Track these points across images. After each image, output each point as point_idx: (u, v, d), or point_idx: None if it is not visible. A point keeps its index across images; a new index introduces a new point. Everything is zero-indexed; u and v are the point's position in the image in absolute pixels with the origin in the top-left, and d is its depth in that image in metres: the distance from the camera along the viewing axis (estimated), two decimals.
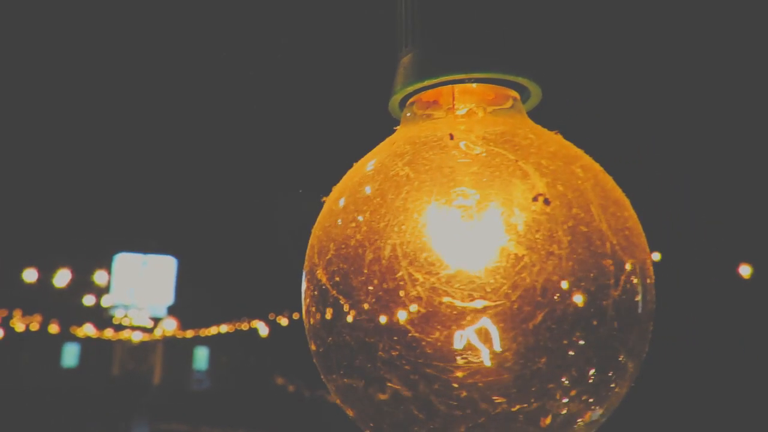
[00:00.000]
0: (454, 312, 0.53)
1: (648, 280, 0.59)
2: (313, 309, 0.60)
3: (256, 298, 13.93)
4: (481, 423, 0.55)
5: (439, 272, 0.53)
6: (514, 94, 0.68)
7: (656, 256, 8.29)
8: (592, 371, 0.55)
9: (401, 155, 0.60)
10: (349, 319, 0.56)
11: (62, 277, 10.32)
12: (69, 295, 11.60)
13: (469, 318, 0.53)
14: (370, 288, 0.55)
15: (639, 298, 0.57)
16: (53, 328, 14.05)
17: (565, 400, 0.55)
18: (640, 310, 0.57)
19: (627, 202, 0.62)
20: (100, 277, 11.69)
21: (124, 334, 15.94)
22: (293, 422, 12.89)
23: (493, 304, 0.52)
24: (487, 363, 0.54)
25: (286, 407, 13.56)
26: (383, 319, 0.55)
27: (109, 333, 15.72)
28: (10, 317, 12.87)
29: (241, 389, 15.74)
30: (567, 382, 0.54)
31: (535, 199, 0.54)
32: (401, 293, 0.54)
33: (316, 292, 0.60)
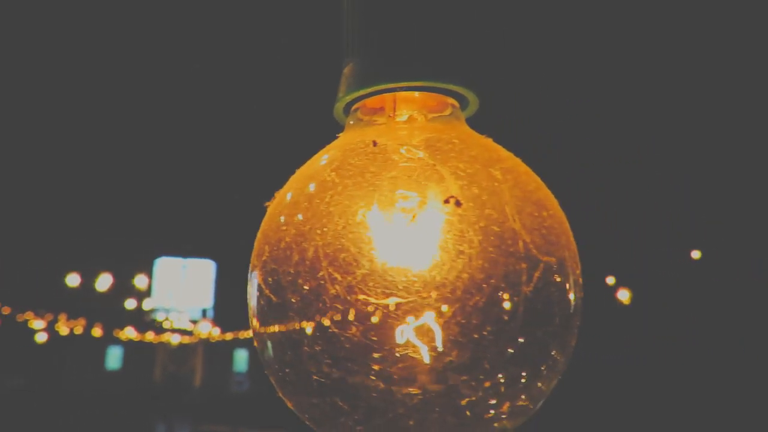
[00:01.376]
0: (369, 309, 0.56)
1: (569, 278, 0.62)
2: (252, 308, 0.64)
3: None
4: (401, 413, 0.58)
5: (355, 272, 0.56)
6: (453, 101, 0.71)
7: (696, 254, 8.17)
8: (505, 365, 0.58)
9: (331, 161, 0.64)
10: (274, 313, 0.60)
11: (104, 282, 10.56)
12: (112, 299, 11.86)
13: (411, 315, 0.56)
14: (296, 287, 0.59)
15: (554, 294, 0.60)
16: (96, 332, 14.39)
17: (479, 393, 0.58)
18: (556, 307, 0.60)
19: (551, 202, 0.64)
20: (141, 281, 11.93)
21: (165, 337, 16.26)
22: None
23: (404, 300, 0.56)
24: (426, 360, 0.57)
25: None
26: (307, 317, 0.58)
27: (150, 336, 16.06)
28: (55, 321, 13.22)
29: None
30: (480, 375, 0.57)
31: (446, 201, 0.57)
32: (322, 292, 0.57)
33: (255, 292, 0.64)
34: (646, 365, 8.09)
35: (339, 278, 0.57)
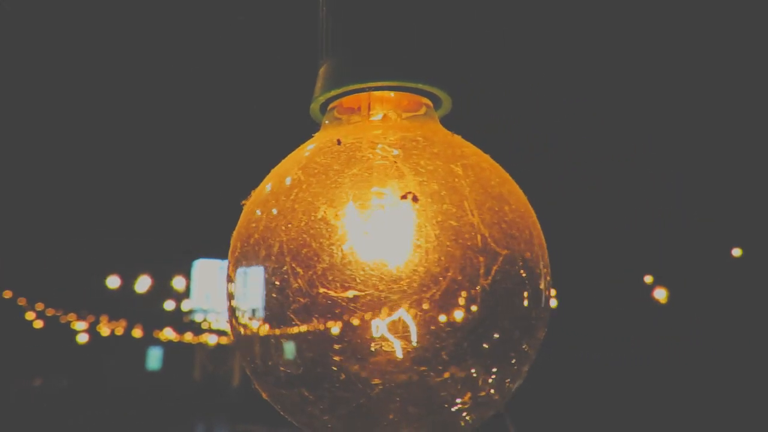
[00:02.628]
0: (329, 302, 0.58)
1: (533, 271, 0.63)
2: (227, 303, 0.67)
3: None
4: (363, 403, 0.60)
5: (316, 266, 0.59)
6: (427, 101, 0.73)
7: (737, 252, 7.99)
8: (464, 356, 0.59)
9: (299, 160, 0.66)
10: (239, 303, 0.63)
11: (143, 284, 10.76)
12: (151, 300, 12.07)
13: (369, 307, 0.58)
14: (264, 280, 0.61)
15: (515, 287, 0.61)
16: (137, 333, 14.66)
17: (439, 383, 0.59)
18: (516, 298, 0.61)
19: (515, 197, 0.65)
20: (179, 282, 12.11)
21: (203, 338, 16.49)
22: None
23: (362, 294, 0.57)
24: (399, 355, 0.59)
25: None
26: (273, 310, 0.60)
27: (189, 337, 16.30)
28: (96, 323, 13.51)
29: None
30: (439, 366, 0.59)
31: (404, 197, 0.59)
32: (286, 286, 0.59)
33: (228, 286, 0.66)
34: (683, 366, 7.96)
35: (301, 272, 0.59)
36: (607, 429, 7.87)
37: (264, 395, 0.67)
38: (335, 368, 0.59)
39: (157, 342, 16.74)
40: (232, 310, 0.65)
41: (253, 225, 0.64)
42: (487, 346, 0.60)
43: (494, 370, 0.61)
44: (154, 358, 17.91)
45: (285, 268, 0.60)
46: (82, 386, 14.03)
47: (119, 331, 14.58)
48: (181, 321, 15.68)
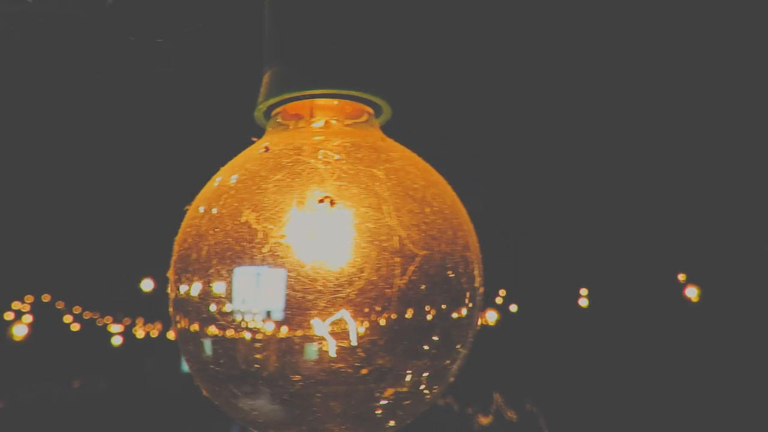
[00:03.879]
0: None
1: (456, 270, 0.65)
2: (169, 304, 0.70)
3: None
4: (286, 399, 0.62)
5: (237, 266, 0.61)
6: (369, 109, 0.75)
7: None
8: (380, 353, 0.61)
9: (233, 166, 0.69)
10: (180, 307, 0.66)
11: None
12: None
13: (289, 306, 0.61)
14: (192, 284, 0.64)
15: (435, 286, 0.63)
16: (171, 335, 14.89)
17: (357, 376, 0.62)
18: (436, 297, 0.63)
19: (440, 200, 0.67)
20: (218, 287, 12.25)
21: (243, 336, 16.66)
22: (405, 425, 13.02)
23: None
24: (333, 354, 0.61)
25: None
26: (200, 311, 0.63)
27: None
28: (133, 325, 13.74)
29: None
30: (356, 363, 0.61)
31: (321, 200, 0.61)
32: (210, 286, 0.62)
33: (169, 289, 0.69)
34: (715, 365, 7.83)
35: (225, 275, 0.62)
36: (639, 429, 7.78)
37: (204, 392, 0.69)
38: (258, 366, 0.61)
39: None
40: (172, 311, 0.68)
41: (188, 230, 0.67)
42: (406, 343, 0.62)
43: (416, 366, 0.63)
44: None
45: (211, 270, 0.62)
46: (119, 388, 14.29)
47: (154, 334, 14.82)
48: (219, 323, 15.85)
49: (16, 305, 9.29)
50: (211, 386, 0.66)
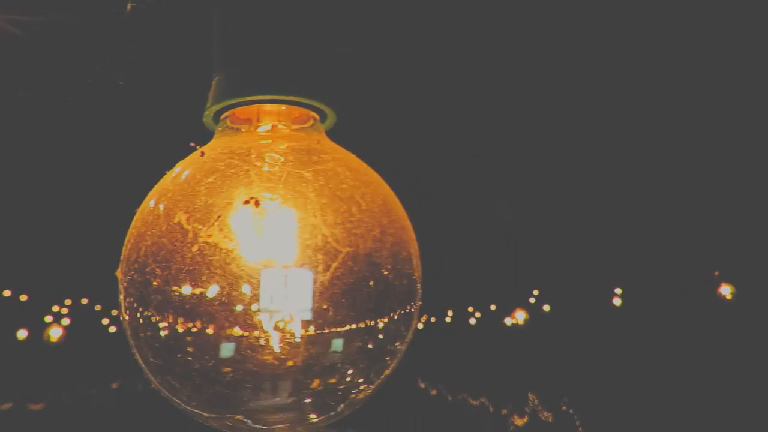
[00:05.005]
0: (180, 299, 0.64)
1: (382, 267, 0.68)
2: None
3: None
4: (218, 390, 0.66)
5: (170, 267, 0.65)
6: (315, 114, 0.78)
7: None
8: (306, 345, 0.64)
9: (173, 172, 0.73)
10: (124, 304, 0.70)
11: (213, 290, 11.09)
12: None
13: (217, 303, 0.64)
14: (133, 281, 0.68)
15: (359, 282, 0.66)
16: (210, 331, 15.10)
17: (285, 370, 0.65)
18: (360, 292, 0.66)
19: (369, 199, 0.70)
20: (246, 288, 12.42)
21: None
22: (435, 425, 13.03)
23: (206, 290, 0.63)
24: (277, 349, 0.65)
25: (428, 410, 13.72)
26: (138, 308, 0.67)
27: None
28: (175, 323, 13.98)
29: (384, 393, 16.14)
30: (282, 355, 0.64)
31: (247, 201, 0.65)
32: (148, 285, 0.66)
33: (119, 285, 0.73)
34: (750, 366, 7.69)
35: (159, 273, 0.65)
36: (672, 428, 7.67)
37: (153, 384, 0.73)
38: (190, 359, 0.65)
39: None
40: (123, 308, 0.72)
41: (132, 231, 0.71)
42: (330, 337, 0.65)
43: (345, 359, 0.66)
44: None
45: (148, 269, 0.66)
46: (157, 389, 14.52)
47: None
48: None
49: (55, 308, 9.52)
50: (154, 377, 0.69)
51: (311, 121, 0.78)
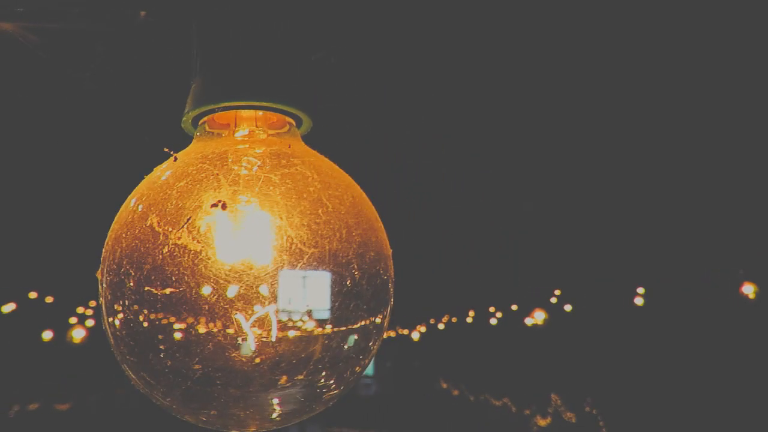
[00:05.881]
0: (152, 299, 0.67)
1: (348, 266, 0.70)
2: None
3: (414, 303, 14.29)
4: (190, 386, 0.68)
5: (144, 268, 0.68)
6: (291, 120, 0.81)
7: None
8: (272, 343, 0.67)
9: (150, 176, 0.75)
10: (103, 304, 0.73)
11: (233, 291, 11.19)
12: (242, 304, 12.50)
13: (185, 302, 0.67)
14: (109, 282, 0.71)
15: (323, 281, 0.68)
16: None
17: (251, 365, 0.67)
18: (325, 292, 0.68)
19: (335, 201, 0.72)
20: (264, 289, 12.50)
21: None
22: (458, 426, 13.02)
23: (177, 290, 0.66)
24: (252, 348, 0.68)
25: (450, 411, 13.72)
26: (114, 307, 0.70)
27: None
28: (196, 323, 14.15)
29: (407, 393, 16.21)
30: (234, 354, 0.67)
31: (214, 205, 0.67)
32: (123, 285, 0.69)
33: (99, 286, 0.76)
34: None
35: (133, 273, 0.68)
36: (695, 428, 7.60)
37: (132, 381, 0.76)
38: (162, 356, 0.67)
39: None
40: (99, 306, 0.75)
41: (110, 234, 0.74)
42: (298, 334, 0.67)
43: (317, 358, 0.68)
44: None
45: (123, 270, 0.69)
46: None
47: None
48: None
49: (79, 310, 9.68)
50: (131, 375, 0.72)
51: (287, 127, 0.81)
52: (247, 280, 0.66)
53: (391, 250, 0.81)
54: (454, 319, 14.04)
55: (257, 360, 0.67)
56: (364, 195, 0.78)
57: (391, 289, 0.78)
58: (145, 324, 0.67)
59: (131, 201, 0.73)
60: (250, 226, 0.67)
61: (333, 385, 0.72)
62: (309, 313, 0.67)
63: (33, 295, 8.01)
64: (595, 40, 1.91)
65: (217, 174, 0.70)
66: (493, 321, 11.68)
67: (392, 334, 17.24)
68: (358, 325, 0.71)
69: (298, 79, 0.80)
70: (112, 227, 0.74)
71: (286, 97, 0.77)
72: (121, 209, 0.75)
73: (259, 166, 0.71)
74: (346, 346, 0.71)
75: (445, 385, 15.25)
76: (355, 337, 0.72)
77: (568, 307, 10.03)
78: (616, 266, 8.21)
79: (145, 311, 0.67)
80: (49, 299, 8.45)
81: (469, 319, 12.85)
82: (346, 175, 0.79)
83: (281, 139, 0.79)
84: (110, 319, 0.71)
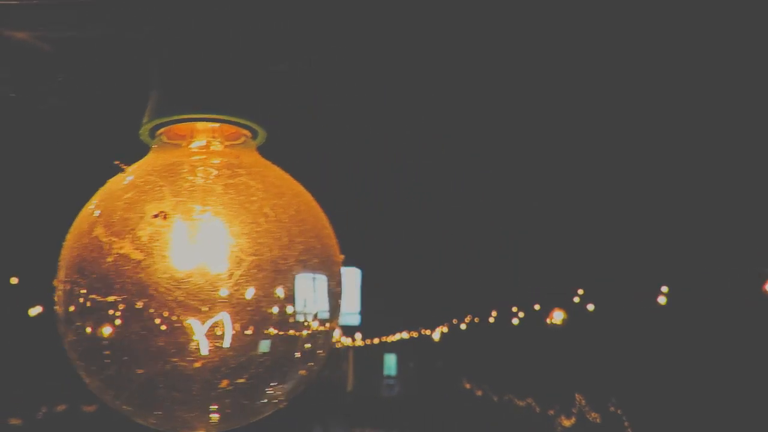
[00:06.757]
0: (94, 305, 0.70)
1: (289, 273, 0.72)
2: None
3: (437, 303, 14.27)
4: (136, 390, 0.71)
5: (88, 276, 0.71)
6: (246, 132, 0.83)
7: None
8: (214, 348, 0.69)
9: (104, 187, 0.78)
10: (58, 310, 0.76)
11: (250, 292, 11.28)
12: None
13: (125, 307, 0.70)
14: (63, 289, 0.74)
15: (262, 288, 0.71)
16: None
17: (193, 369, 0.70)
18: (266, 298, 0.71)
19: (278, 210, 0.75)
20: (280, 291, 12.56)
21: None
22: (482, 427, 12.99)
23: (120, 298, 0.69)
24: (205, 351, 0.70)
25: (474, 412, 13.69)
26: (67, 312, 0.73)
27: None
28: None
29: (430, 394, 16.19)
30: (188, 357, 0.69)
31: (156, 215, 0.70)
32: (70, 293, 0.72)
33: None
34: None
35: (81, 282, 0.71)
36: (720, 428, 7.51)
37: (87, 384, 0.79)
38: (108, 361, 0.70)
39: None
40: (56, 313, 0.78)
41: (65, 242, 0.77)
42: (237, 340, 0.70)
43: (259, 363, 0.71)
44: None
45: (73, 278, 0.72)
46: None
47: None
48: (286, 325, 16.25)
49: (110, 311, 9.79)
50: (84, 379, 0.75)
51: (242, 138, 0.83)
52: (187, 288, 0.68)
53: (342, 257, 0.83)
54: (476, 319, 14.00)
55: (197, 365, 0.69)
56: (313, 204, 0.80)
57: (339, 295, 0.80)
58: (89, 330, 0.70)
59: (85, 210, 0.76)
60: (191, 236, 0.69)
61: (279, 390, 0.74)
62: (249, 319, 0.70)
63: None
64: (601, 35, 1.91)
65: (162, 185, 0.72)
66: (515, 321, 11.64)
67: (414, 334, 17.21)
68: (301, 330, 0.74)
69: (252, 91, 0.82)
70: (67, 237, 0.77)
71: (238, 110, 0.80)
72: (75, 219, 0.78)
73: (204, 177, 0.74)
74: (289, 352, 0.73)
75: (468, 386, 15.20)
76: (298, 342, 0.74)
77: (590, 307, 9.97)
78: (639, 265, 8.15)
79: (93, 318, 0.70)
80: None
81: (491, 319, 12.81)
82: (297, 184, 0.81)
83: (234, 150, 0.81)
84: (61, 326, 0.74)
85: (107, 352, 0.70)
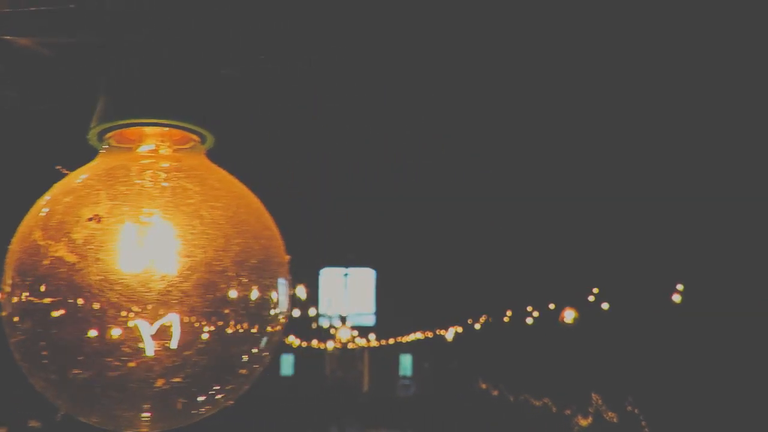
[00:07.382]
0: (32, 307, 0.71)
1: (223, 274, 0.73)
2: None
3: (452, 303, 14.25)
4: (74, 392, 0.73)
5: (27, 278, 0.72)
6: (195, 137, 0.84)
7: None
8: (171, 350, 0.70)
9: (49, 191, 0.80)
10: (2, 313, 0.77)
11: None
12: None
13: (59, 306, 0.71)
14: (5, 292, 0.75)
15: (200, 288, 0.72)
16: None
17: (126, 369, 0.71)
18: (205, 298, 0.72)
19: (219, 213, 0.76)
20: (305, 290, 12.60)
21: (332, 344, 17.04)
22: (498, 426, 12.95)
23: (57, 300, 0.70)
24: (150, 353, 0.72)
25: (490, 411, 13.64)
26: (10, 314, 0.74)
27: (318, 343, 16.95)
28: (33, 330, 14.36)
29: (446, 394, 16.16)
30: (123, 357, 0.71)
31: (90, 219, 0.71)
32: (14, 295, 0.73)
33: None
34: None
35: (21, 284, 0.73)
36: (737, 426, 7.44)
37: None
38: (45, 362, 0.72)
39: (290, 349, 17.47)
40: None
41: (10, 246, 0.78)
42: (172, 339, 0.71)
43: (188, 360, 0.72)
44: (287, 365, 18.78)
45: (14, 281, 0.73)
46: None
47: None
48: (310, 328, 16.32)
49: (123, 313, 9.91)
50: (30, 379, 0.77)
51: (191, 143, 0.84)
52: (120, 290, 0.70)
53: (287, 257, 0.84)
54: (490, 319, 13.96)
55: (132, 364, 0.70)
56: (256, 206, 0.81)
57: (283, 295, 0.80)
58: (29, 332, 0.72)
59: (29, 214, 0.78)
60: (125, 238, 0.71)
61: (219, 391, 0.76)
62: (183, 319, 0.71)
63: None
64: (602, 35, 1.91)
65: (99, 189, 0.74)
66: (530, 320, 11.58)
67: (429, 334, 17.19)
68: (237, 331, 0.75)
69: (200, 96, 0.83)
70: (12, 240, 0.79)
71: (183, 115, 0.81)
72: (21, 223, 0.80)
73: (142, 181, 0.75)
74: (226, 352, 0.74)
75: (484, 386, 15.15)
76: (233, 342, 0.75)
77: (605, 306, 9.91)
78: (654, 263, 8.09)
79: (31, 320, 0.72)
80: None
81: (506, 319, 12.76)
82: (241, 187, 0.82)
83: (177, 154, 0.83)
84: (6, 329, 0.75)
85: (45, 353, 0.71)
